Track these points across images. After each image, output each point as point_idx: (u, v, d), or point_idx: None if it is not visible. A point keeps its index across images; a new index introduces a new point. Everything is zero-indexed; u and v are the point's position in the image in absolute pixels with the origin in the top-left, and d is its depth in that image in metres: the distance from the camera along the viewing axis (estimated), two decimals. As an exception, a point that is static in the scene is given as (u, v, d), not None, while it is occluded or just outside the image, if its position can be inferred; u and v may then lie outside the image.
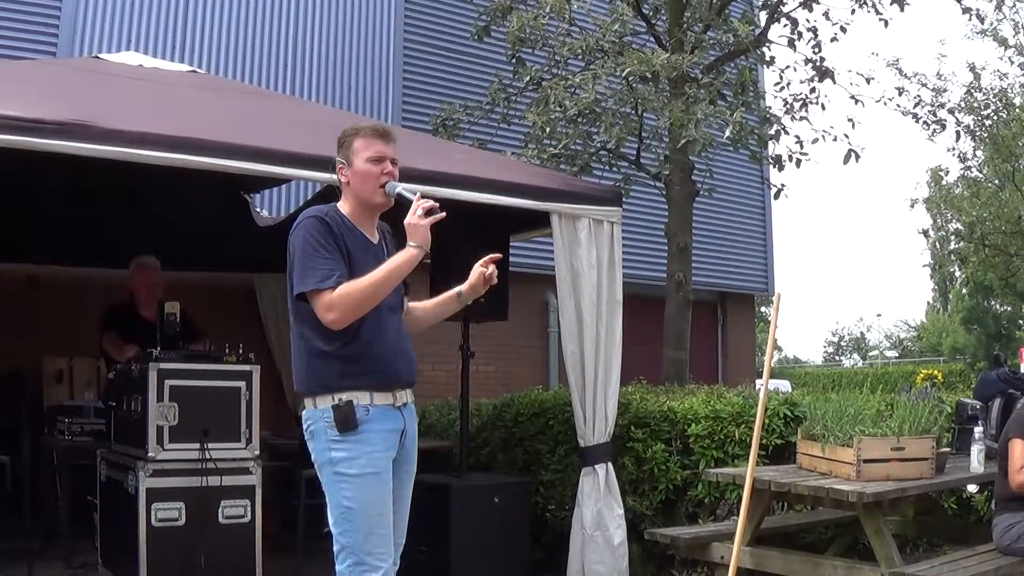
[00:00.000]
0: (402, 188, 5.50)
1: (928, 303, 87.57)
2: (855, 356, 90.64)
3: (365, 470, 5.33)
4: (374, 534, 5.32)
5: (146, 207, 10.46)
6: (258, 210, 13.27)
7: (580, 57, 13.81)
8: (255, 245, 12.12)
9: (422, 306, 6.01)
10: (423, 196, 5.43)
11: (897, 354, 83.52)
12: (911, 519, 10.08)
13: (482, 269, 5.71)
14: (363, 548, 5.30)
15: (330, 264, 5.32)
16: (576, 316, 8.97)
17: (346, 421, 5.35)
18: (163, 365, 7.79)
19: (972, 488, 10.08)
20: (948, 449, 8.98)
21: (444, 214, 5.35)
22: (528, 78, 13.91)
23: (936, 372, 11.24)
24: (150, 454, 7.61)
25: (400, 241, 5.53)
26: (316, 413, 5.42)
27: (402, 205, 5.47)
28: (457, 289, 5.83)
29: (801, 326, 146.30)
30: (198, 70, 11.61)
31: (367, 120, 5.98)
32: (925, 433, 8.06)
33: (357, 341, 5.40)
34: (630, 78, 12.39)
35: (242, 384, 8.13)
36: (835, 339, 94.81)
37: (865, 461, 7.74)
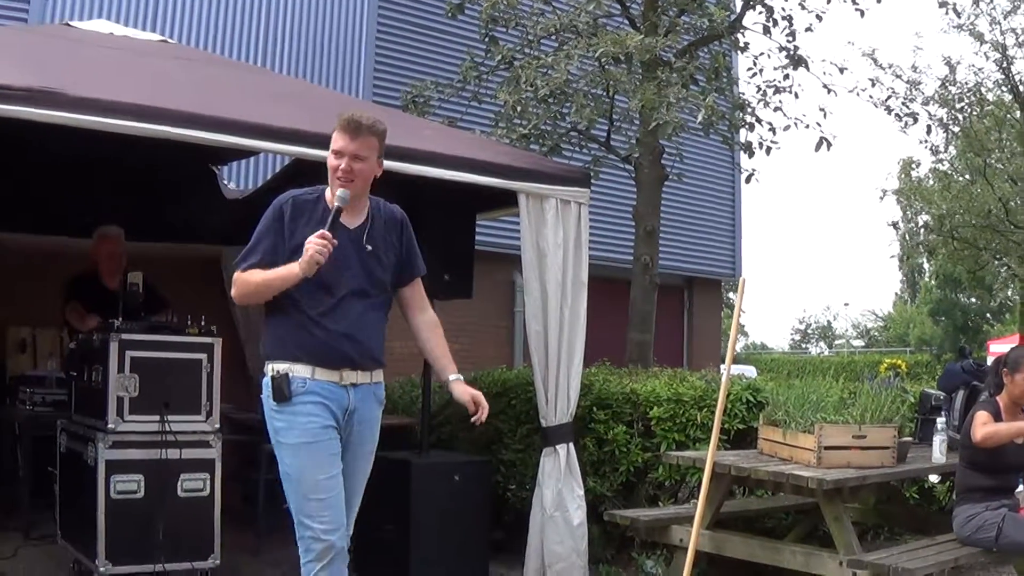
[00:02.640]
0: (337, 207, 5.71)
1: (896, 294, 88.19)
2: (821, 344, 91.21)
3: (300, 440, 5.67)
4: (310, 499, 5.64)
5: (112, 176, 10.40)
6: (226, 182, 13.23)
7: (553, 37, 13.78)
8: (222, 217, 12.10)
9: (423, 338, 6.39)
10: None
11: (864, 344, 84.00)
12: (872, 507, 10.12)
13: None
14: (302, 510, 5.66)
15: (260, 248, 5.81)
16: (541, 296, 8.94)
17: (279, 392, 5.71)
18: (124, 336, 7.73)
19: (934, 478, 10.14)
20: (910, 439, 9.03)
21: (326, 253, 5.58)
22: (500, 57, 13.87)
23: (900, 362, 11.27)
24: (110, 425, 7.56)
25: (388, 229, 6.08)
26: (264, 381, 5.82)
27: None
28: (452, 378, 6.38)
29: (768, 313, 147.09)
30: (168, 40, 11.54)
31: (352, 110, 5.93)
32: (887, 422, 8.12)
33: (301, 318, 5.76)
34: (603, 59, 12.37)
35: (203, 356, 8.10)
36: (802, 327, 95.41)
37: (826, 448, 7.79)
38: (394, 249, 6.05)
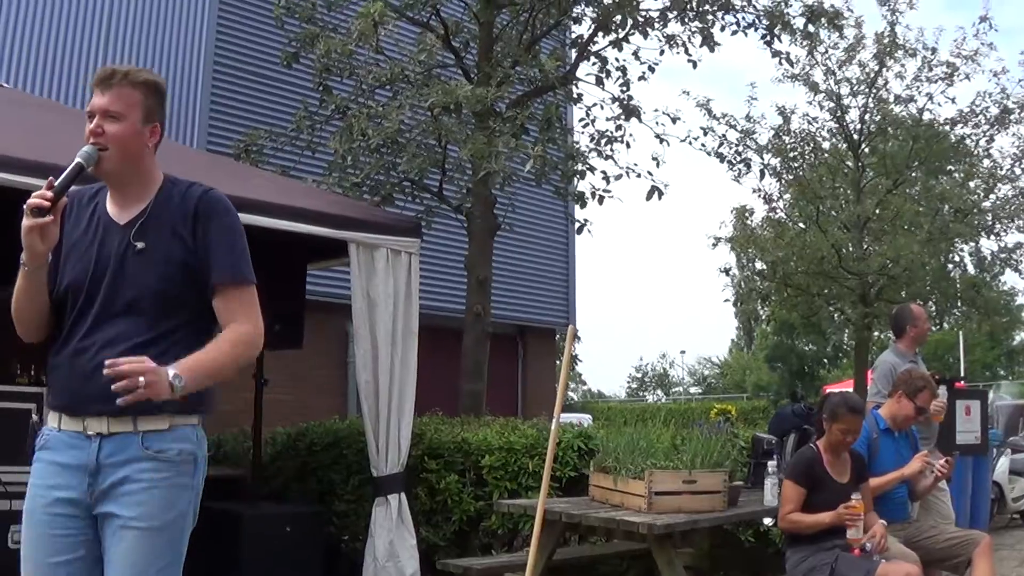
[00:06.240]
0: (76, 161, 4.20)
1: (732, 341, 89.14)
2: (659, 392, 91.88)
3: (25, 506, 4.27)
4: None
5: None
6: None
7: (387, 87, 13.82)
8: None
9: None
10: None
11: (701, 390, 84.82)
12: (706, 551, 10.21)
13: None
14: None
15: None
16: (371, 346, 8.95)
17: (31, 446, 4.40)
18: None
19: (768, 521, 10.23)
20: (741, 483, 9.11)
21: (47, 219, 4.06)
22: (334, 106, 13.89)
23: (730, 407, 11.41)
24: (-64, 475, 7.41)
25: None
26: None
27: None
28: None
29: (605, 361, 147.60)
30: (4, 84, 11.47)
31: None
32: (717, 467, 8.18)
33: (53, 349, 4.36)
34: (434, 109, 12.41)
35: (32, 406, 7.96)
36: (639, 375, 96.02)
37: (656, 493, 7.82)
38: (182, 244, 4.33)
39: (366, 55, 13.95)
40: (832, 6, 15.62)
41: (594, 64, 14.51)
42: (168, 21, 17.43)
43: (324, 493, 10.53)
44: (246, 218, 7.99)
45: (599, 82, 14.42)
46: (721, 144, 23.23)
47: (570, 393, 76.03)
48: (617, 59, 14.63)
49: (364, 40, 12.66)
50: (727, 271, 29.08)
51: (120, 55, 16.62)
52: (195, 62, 17.63)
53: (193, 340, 4.29)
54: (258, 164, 14.03)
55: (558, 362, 26.44)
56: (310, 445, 11.01)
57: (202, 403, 4.34)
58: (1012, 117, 25.11)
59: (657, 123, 14.09)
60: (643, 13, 14.20)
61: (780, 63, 16.79)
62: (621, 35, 14.22)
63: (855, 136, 26.16)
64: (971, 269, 36.84)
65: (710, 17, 14.37)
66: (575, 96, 14.81)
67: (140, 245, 4.27)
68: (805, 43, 22.12)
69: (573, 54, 15.00)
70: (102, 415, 4.14)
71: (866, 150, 26.59)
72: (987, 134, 25.73)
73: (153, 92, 4.47)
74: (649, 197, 13.26)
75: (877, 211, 25.10)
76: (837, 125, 26.37)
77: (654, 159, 13.99)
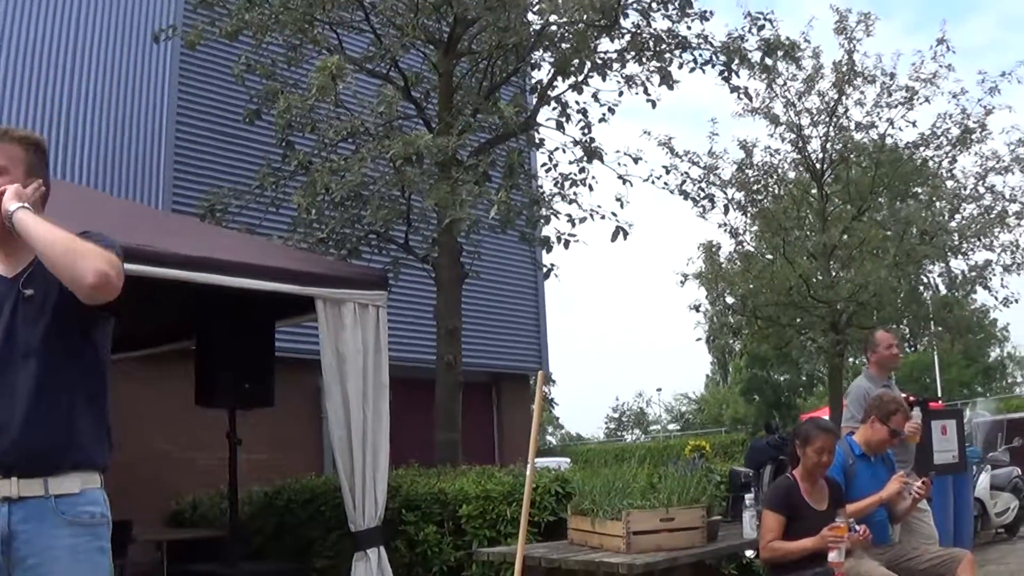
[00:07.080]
0: None
1: (708, 376, 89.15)
2: (636, 431, 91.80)
3: None
4: None
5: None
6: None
7: (350, 140, 13.83)
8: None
9: None
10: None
11: (679, 427, 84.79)
12: (688, 588, 10.18)
13: None
14: None
15: None
16: (343, 400, 8.93)
17: None
18: None
19: (750, 553, 10.23)
20: (720, 517, 9.10)
21: None
22: (296, 162, 13.89)
23: (704, 443, 11.41)
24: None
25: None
26: None
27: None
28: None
29: (582, 403, 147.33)
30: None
31: None
32: (694, 503, 8.18)
33: None
34: (395, 160, 12.42)
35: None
36: (616, 415, 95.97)
37: (635, 533, 7.83)
38: None
39: (327, 109, 13.97)
40: (788, 38, 15.67)
41: (554, 108, 14.57)
42: (129, 82, 17.37)
43: (303, 550, 10.49)
44: (213, 278, 8.08)
45: (560, 126, 14.47)
46: (684, 182, 23.29)
47: (548, 437, 75.94)
48: (577, 102, 14.71)
49: (323, 94, 12.66)
50: (697, 308, 29.00)
51: (82, 117, 16.57)
52: (158, 122, 17.58)
53: (91, 383, 4.27)
54: (223, 223, 14.01)
55: (533, 407, 26.39)
56: (287, 503, 10.98)
57: (104, 460, 4.26)
58: (973, 136, 25.18)
59: (620, 164, 14.12)
60: (601, 56, 14.26)
61: (739, 98, 16.87)
62: (580, 78, 14.27)
63: (818, 165, 26.20)
64: (943, 290, 36.88)
65: (668, 55, 14.43)
66: (537, 141, 14.85)
67: (29, 292, 4.19)
68: (763, 76, 22.18)
69: (533, 100, 15.04)
70: (10, 476, 4.00)
71: (830, 178, 26.62)
72: (949, 155, 25.76)
73: (34, 148, 4.51)
74: (614, 238, 13.24)
75: (844, 238, 25.14)
76: (799, 156, 26.40)
77: (618, 199, 14.01)
